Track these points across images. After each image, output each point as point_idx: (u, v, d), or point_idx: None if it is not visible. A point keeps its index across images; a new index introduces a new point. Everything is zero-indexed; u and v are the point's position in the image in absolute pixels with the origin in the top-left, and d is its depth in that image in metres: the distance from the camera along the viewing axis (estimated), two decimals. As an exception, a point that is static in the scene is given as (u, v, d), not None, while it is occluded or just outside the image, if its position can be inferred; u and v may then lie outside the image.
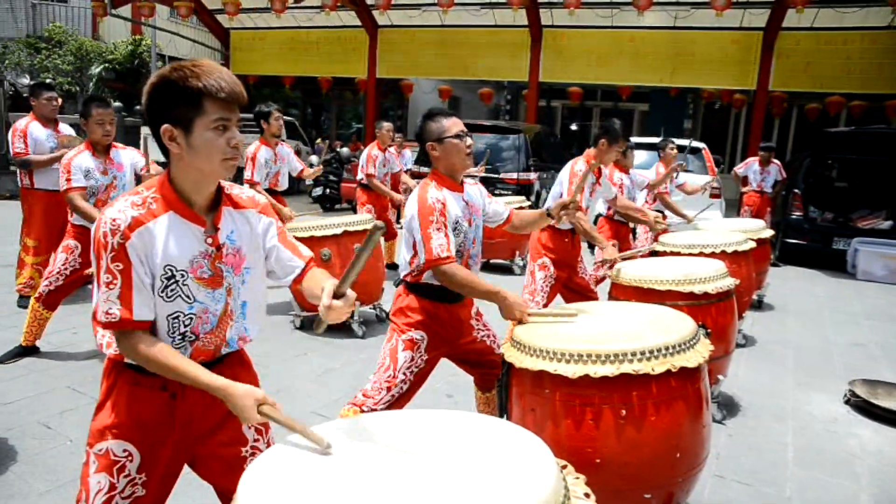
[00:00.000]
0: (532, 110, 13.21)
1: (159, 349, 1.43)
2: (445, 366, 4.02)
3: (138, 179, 3.87)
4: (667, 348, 1.91)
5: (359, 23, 13.85)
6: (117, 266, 1.40)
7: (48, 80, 12.41)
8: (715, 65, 12.20)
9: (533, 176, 8.91)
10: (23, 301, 4.90)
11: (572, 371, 1.89)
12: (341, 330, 4.61)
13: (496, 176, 9.00)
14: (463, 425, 1.34)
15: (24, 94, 10.56)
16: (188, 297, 1.48)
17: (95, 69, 14.68)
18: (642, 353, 1.88)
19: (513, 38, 13.08)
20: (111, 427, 1.55)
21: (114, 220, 1.39)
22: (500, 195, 8.50)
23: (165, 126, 1.43)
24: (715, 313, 3.16)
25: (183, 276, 1.46)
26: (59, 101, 5.12)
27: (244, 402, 1.43)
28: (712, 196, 8.29)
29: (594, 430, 1.90)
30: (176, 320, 1.48)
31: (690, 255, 4.04)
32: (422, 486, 1.10)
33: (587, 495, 1.18)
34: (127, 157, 3.96)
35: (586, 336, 2.00)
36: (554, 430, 1.94)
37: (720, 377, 3.33)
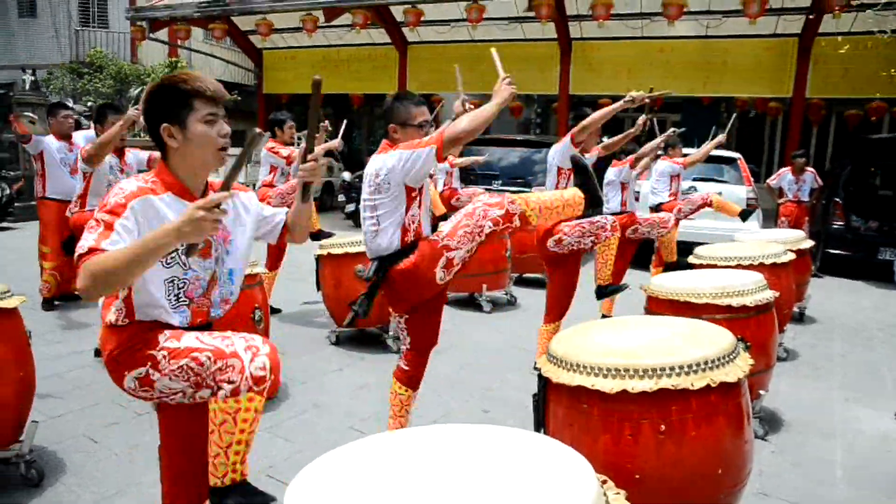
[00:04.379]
0: (563, 123, 13.17)
1: (111, 252, 1.48)
2: (482, 381, 4.03)
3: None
4: (706, 362, 1.88)
5: (388, 40, 14.02)
6: (107, 217, 1.55)
7: (89, 103, 12.89)
8: (748, 73, 12.01)
9: (564, 188, 8.88)
10: (45, 304, 5.42)
11: (610, 386, 1.87)
12: (376, 345, 4.64)
13: (527, 189, 9.00)
14: (500, 440, 1.34)
15: (85, 116, 11.05)
16: (184, 264, 1.71)
17: (134, 91, 15.15)
18: (681, 368, 1.85)
19: (542, 52, 13.09)
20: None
21: (122, 187, 1.63)
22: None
23: (164, 125, 1.69)
24: (754, 326, 3.10)
25: (181, 245, 1.62)
26: (74, 118, 5.65)
27: (190, 215, 1.45)
28: (749, 206, 8.16)
29: (633, 446, 1.87)
30: (171, 284, 1.71)
31: (727, 267, 3.97)
32: (460, 500, 1.11)
33: (628, 511, 1.17)
34: (133, 157, 4.64)
35: (624, 350, 1.98)
36: (592, 445, 1.92)
37: (761, 392, 3.26)
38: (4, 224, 10.58)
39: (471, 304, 6.07)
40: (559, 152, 4.05)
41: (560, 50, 12.78)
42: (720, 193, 8.39)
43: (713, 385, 1.85)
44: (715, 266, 4.05)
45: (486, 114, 2.44)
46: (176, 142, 1.71)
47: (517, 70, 14.02)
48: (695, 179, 8.40)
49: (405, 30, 13.45)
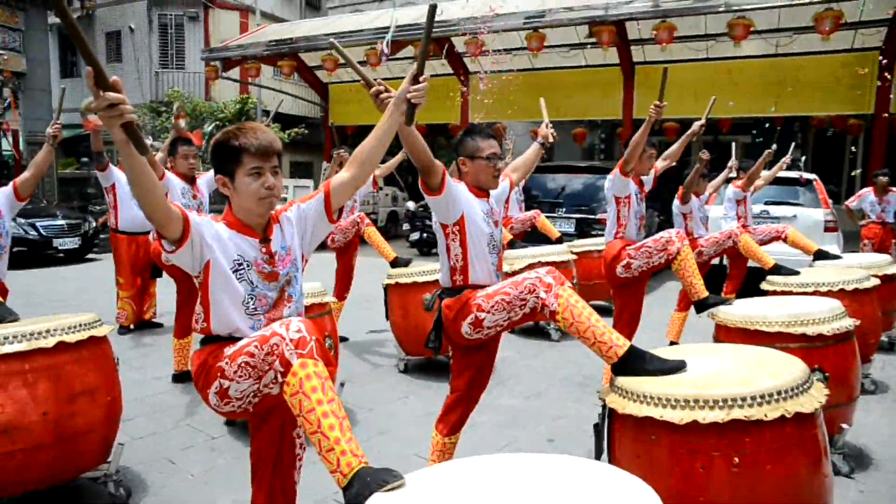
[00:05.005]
0: (627, 148, 13.03)
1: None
2: (547, 410, 3.99)
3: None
4: (779, 392, 1.81)
5: (451, 71, 14.30)
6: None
7: (166, 140, 13.67)
8: (824, 90, 11.55)
9: (629, 215, 8.72)
10: (121, 330, 5.75)
11: (679, 417, 1.83)
12: (443, 374, 4.67)
13: (592, 217, 8.90)
14: (566, 469, 1.34)
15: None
16: (250, 282, 1.89)
17: (207, 127, 15.99)
18: (753, 398, 1.79)
19: (604, 77, 13.03)
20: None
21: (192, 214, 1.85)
22: (598, 236, 8.39)
23: (218, 176, 1.91)
24: (832, 356, 2.95)
25: (248, 265, 1.89)
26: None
27: (98, 104, 1.49)
28: (828, 230, 7.79)
29: (705, 480, 1.82)
30: (245, 296, 1.89)
31: (804, 294, 3.81)
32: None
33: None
34: (204, 182, 4.73)
35: (693, 380, 1.94)
36: (662, 478, 1.87)
37: (844, 426, 3.08)
38: (90, 255, 11.30)
39: (538, 332, 6.03)
40: (612, 183, 4.04)
41: (623, 75, 12.69)
42: (795, 217, 8.10)
43: (788, 416, 1.78)
44: (790, 293, 3.90)
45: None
46: (228, 190, 1.92)
47: (580, 96, 14.09)
48: (767, 203, 8.10)
49: (467, 60, 13.69)
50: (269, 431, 1.96)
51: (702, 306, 3.81)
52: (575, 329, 2.20)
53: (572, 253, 6.31)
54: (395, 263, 5.03)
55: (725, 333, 3.14)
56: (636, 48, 12.25)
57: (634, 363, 2.09)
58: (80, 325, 2.68)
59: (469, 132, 2.68)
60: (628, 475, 1.30)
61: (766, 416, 1.77)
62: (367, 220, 5.34)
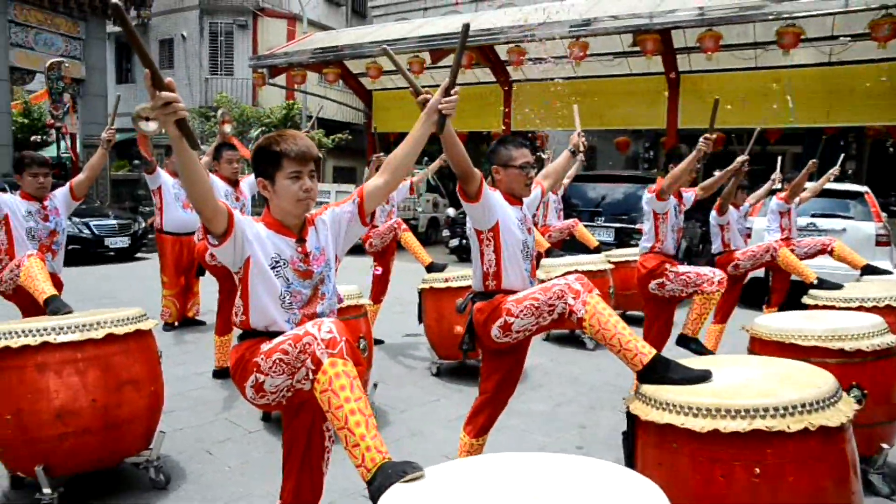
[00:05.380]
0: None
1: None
2: (577, 418, 3.99)
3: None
4: (803, 405, 1.80)
5: (493, 79, 14.36)
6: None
7: (214, 144, 14.09)
8: (881, 99, 11.16)
9: (670, 225, 8.62)
10: (166, 327, 5.96)
11: (700, 425, 1.84)
12: (472, 379, 4.71)
13: (632, 226, 8.82)
14: (585, 470, 1.37)
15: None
16: (286, 279, 1.99)
17: (254, 132, 16.41)
18: (776, 409, 1.79)
19: (648, 86, 12.90)
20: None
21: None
22: (636, 245, 8.30)
23: (259, 179, 2.03)
24: (872, 372, 2.89)
25: (285, 264, 1.99)
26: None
27: (153, 105, 1.64)
28: (879, 244, 7.54)
29: (725, 489, 1.82)
30: (282, 291, 1.99)
31: (848, 309, 3.72)
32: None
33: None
34: (247, 185, 4.87)
35: (716, 390, 1.94)
36: (682, 485, 1.89)
37: (884, 446, 3.01)
38: (139, 255, 11.71)
39: (574, 340, 6.03)
40: (650, 201, 4.04)
41: (668, 84, 12.55)
42: (844, 230, 7.87)
43: (812, 429, 1.77)
44: (833, 308, 3.81)
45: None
46: (268, 193, 2.03)
47: (623, 105, 13.94)
48: (814, 215, 7.89)
49: (509, 68, 13.73)
50: (301, 424, 2.04)
51: (684, 341, 4.03)
52: (601, 336, 2.23)
53: (610, 262, 6.28)
54: (430, 268, 5.10)
55: (760, 346, 3.10)
56: (681, 56, 12.10)
57: (660, 371, 2.11)
58: (128, 319, 2.83)
59: (502, 142, 2.76)
60: (640, 476, 1.33)
61: (788, 427, 1.77)
62: (405, 226, 5.44)
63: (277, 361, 1.82)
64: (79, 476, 2.81)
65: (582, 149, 3.29)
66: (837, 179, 6.95)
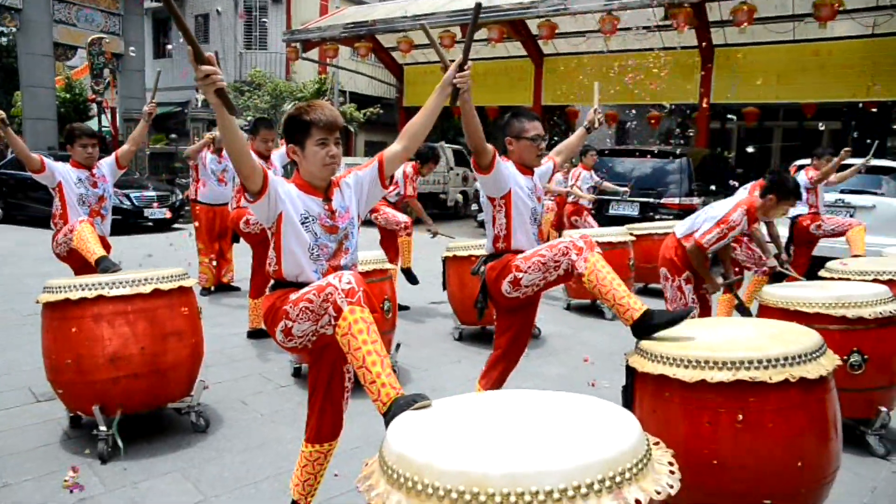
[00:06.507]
0: (703, 133, 12.72)
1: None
2: (589, 378, 4.16)
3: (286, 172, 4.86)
4: (786, 359, 1.95)
5: (524, 53, 14.32)
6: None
7: (249, 118, 14.39)
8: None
9: (696, 200, 8.64)
10: (203, 291, 6.34)
11: (690, 376, 2.01)
12: (491, 342, 4.91)
13: (658, 201, 8.86)
14: (572, 402, 1.55)
15: (245, 130, 12.55)
16: (314, 233, 2.18)
17: (287, 106, 16.67)
18: (759, 362, 1.95)
19: (681, 60, 12.73)
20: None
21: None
22: (663, 220, 8.38)
23: (290, 146, 2.21)
24: (874, 340, 3.00)
25: (313, 220, 2.18)
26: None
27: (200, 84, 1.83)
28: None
29: (711, 433, 1.99)
30: (311, 244, 2.18)
31: (864, 281, 3.79)
32: (526, 434, 1.34)
33: (671, 463, 1.34)
34: (277, 157, 5.04)
35: (706, 344, 2.10)
36: (674, 431, 2.06)
37: (882, 409, 3.12)
38: (176, 225, 12.14)
39: (593, 310, 6.18)
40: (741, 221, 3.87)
41: (701, 57, 12.39)
42: (874, 206, 7.80)
43: (792, 380, 1.92)
44: (848, 279, 3.89)
45: None
46: (297, 157, 2.21)
47: (656, 79, 13.68)
48: (843, 191, 7.82)
49: (540, 42, 13.68)
50: (324, 365, 2.27)
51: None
52: (598, 290, 2.44)
53: (632, 235, 6.39)
54: (406, 273, 5.71)
55: (767, 313, 3.22)
56: (716, 30, 11.92)
57: (647, 321, 2.32)
58: (172, 276, 3.10)
59: (516, 114, 2.94)
60: (613, 405, 1.49)
61: (770, 378, 1.93)
62: (409, 230, 5.70)
63: (303, 309, 2.03)
64: (128, 417, 3.10)
65: (597, 126, 3.41)
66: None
